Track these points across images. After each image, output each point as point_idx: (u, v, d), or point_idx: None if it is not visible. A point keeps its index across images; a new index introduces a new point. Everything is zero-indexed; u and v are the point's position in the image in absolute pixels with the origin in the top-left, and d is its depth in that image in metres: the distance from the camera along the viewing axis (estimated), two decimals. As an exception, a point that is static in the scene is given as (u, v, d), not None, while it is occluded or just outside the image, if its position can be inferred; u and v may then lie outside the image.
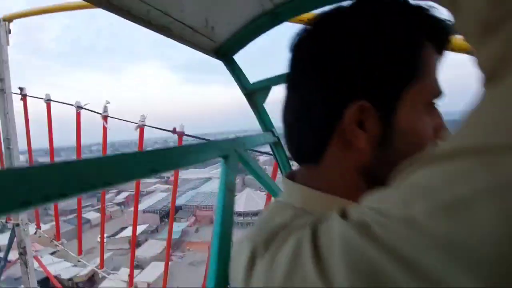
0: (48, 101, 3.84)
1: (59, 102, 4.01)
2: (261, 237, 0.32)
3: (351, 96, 0.33)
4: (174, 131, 2.91)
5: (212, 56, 1.07)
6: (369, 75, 0.33)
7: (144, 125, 3.19)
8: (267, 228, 0.33)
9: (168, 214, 26.12)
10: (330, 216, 0.26)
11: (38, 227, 3.81)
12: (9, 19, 3.25)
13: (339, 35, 0.35)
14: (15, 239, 3.03)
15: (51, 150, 4.02)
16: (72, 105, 3.72)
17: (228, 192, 0.62)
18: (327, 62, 0.35)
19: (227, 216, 0.60)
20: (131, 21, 0.75)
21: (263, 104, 1.16)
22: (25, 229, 3.00)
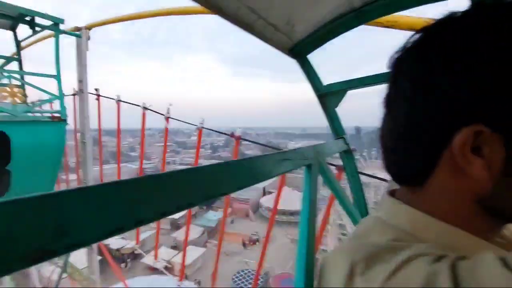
0: (118, 101, 4.74)
1: (127, 102, 4.80)
2: (360, 254, 0.31)
3: (465, 119, 0.30)
4: (232, 135, 3.07)
5: (287, 54, 1.03)
6: (492, 95, 0.29)
7: (203, 127, 3.54)
8: (366, 246, 0.32)
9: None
10: (482, 259, 0.24)
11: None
12: (89, 27, 3.68)
13: (456, 50, 0.30)
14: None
15: (118, 136, 4.74)
16: (139, 106, 4.42)
17: (312, 201, 0.62)
18: (438, 80, 0.31)
19: (311, 224, 0.61)
20: (220, 16, 0.74)
21: (336, 109, 1.08)
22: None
